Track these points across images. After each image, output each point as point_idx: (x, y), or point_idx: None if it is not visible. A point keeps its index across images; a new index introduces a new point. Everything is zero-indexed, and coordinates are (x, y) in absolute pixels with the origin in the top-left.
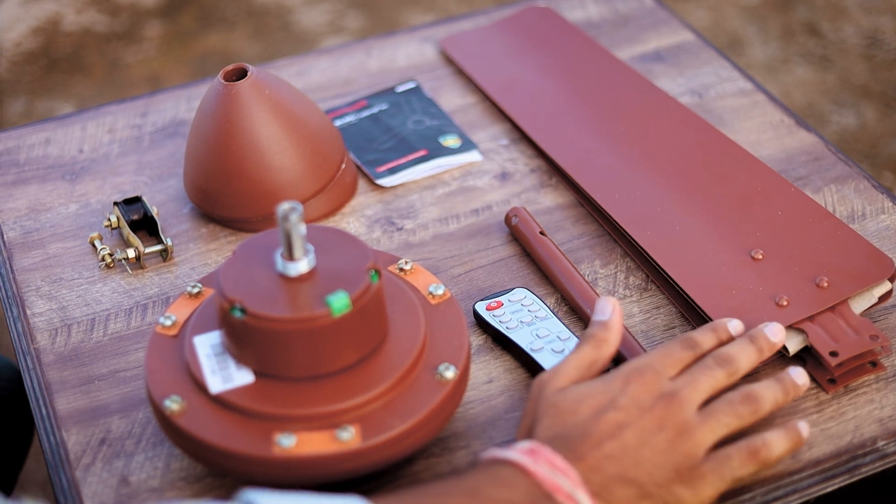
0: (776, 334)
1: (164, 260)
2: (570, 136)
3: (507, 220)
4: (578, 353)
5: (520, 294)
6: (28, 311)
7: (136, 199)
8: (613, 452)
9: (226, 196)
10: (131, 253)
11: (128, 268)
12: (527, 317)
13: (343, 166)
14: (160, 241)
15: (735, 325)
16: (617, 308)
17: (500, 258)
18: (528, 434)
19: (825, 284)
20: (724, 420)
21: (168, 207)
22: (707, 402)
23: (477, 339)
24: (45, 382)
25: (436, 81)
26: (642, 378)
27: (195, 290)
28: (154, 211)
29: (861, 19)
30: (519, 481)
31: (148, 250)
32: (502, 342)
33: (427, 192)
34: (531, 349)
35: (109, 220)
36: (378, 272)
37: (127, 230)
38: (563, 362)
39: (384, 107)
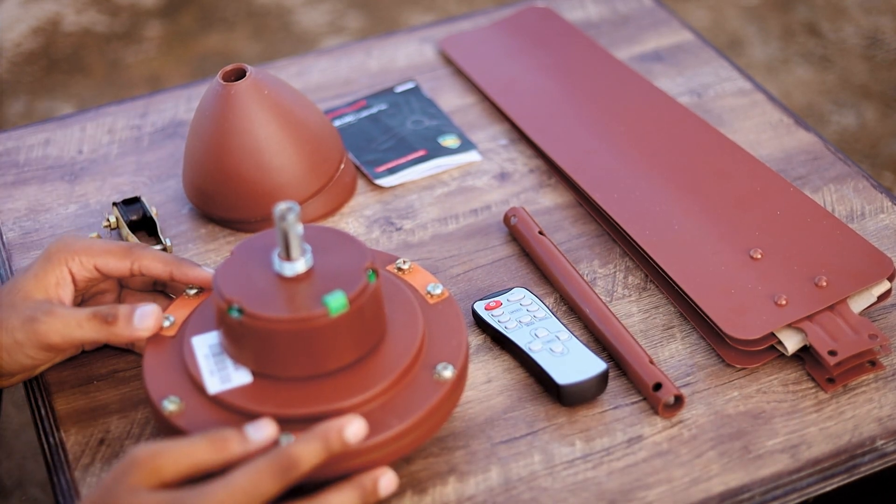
0: (355, 435)
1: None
2: (569, 136)
3: (506, 219)
4: (193, 446)
5: (519, 294)
6: None
7: (136, 200)
8: None
9: (224, 197)
10: None
11: None
12: (525, 316)
13: (342, 166)
14: (159, 242)
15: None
16: (271, 434)
17: (498, 258)
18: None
19: (824, 284)
20: None
21: (167, 208)
22: None
23: (476, 339)
24: (43, 382)
25: (435, 82)
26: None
27: (193, 291)
28: (153, 211)
29: (861, 19)
30: None
31: None
32: (501, 342)
33: (426, 193)
34: (530, 349)
35: (108, 220)
36: (376, 272)
37: (126, 231)
38: (169, 447)
39: (383, 107)
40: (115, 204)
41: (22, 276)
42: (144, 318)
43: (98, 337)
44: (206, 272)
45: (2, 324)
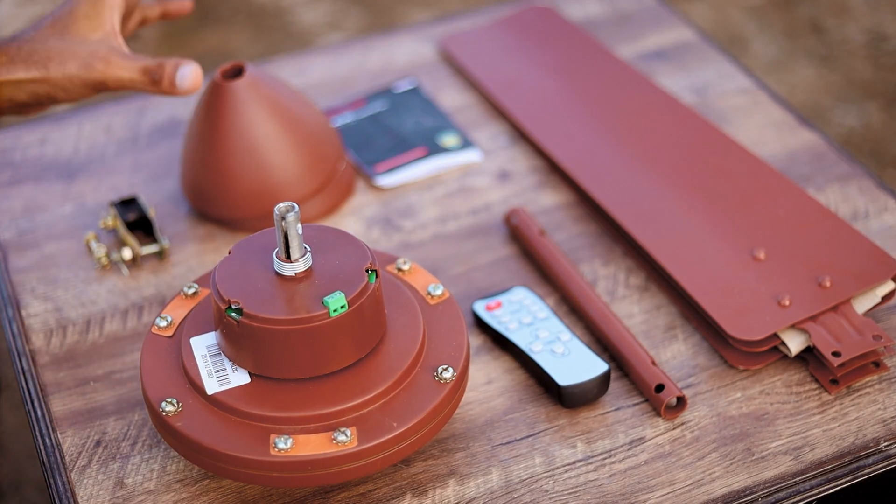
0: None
1: (161, 260)
2: (570, 136)
3: (507, 219)
4: (133, 80)
5: (519, 294)
6: (23, 312)
7: (133, 200)
8: None
9: (222, 196)
10: (127, 254)
11: (124, 269)
12: (526, 317)
13: (342, 166)
14: (156, 242)
15: None
16: (188, 81)
17: (499, 258)
18: None
19: (828, 284)
20: None
21: (164, 207)
22: None
23: (476, 340)
24: (40, 384)
25: (435, 81)
26: None
27: (191, 291)
28: (151, 211)
29: (865, 17)
30: None
31: (144, 251)
32: (501, 342)
33: (426, 192)
34: (531, 350)
35: (106, 220)
36: (376, 272)
37: (123, 231)
38: (119, 64)
39: (383, 106)
40: (112, 204)
41: (69, 14)
42: (184, 78)
43: (145, 90)
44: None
45: (53, 59)
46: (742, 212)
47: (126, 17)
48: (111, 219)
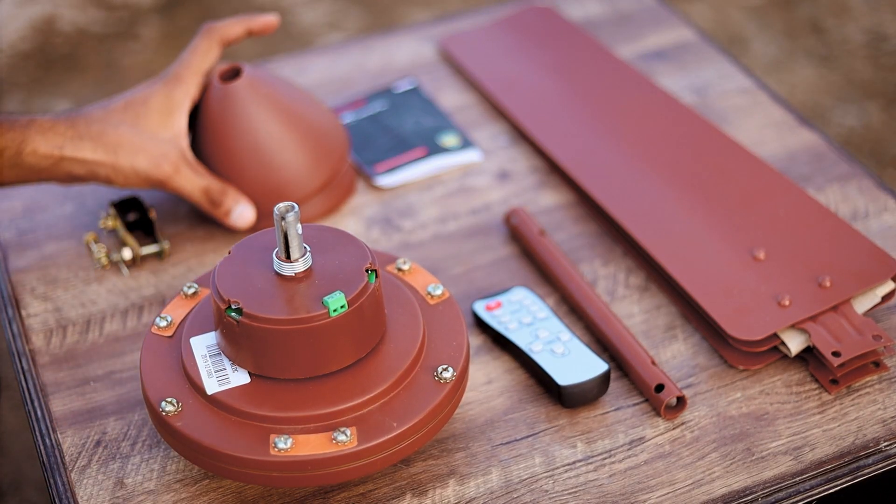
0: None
1: (161, 261)
2: (570, 135)
3: (507, 219)
4: (196, 197)
5: (519, 294)
6: (23, 312)
7: (133, 200)
8: None
9: None
10: (127, 254)
11: (124, 269)
12: (526, 317)
13: (347, 160)
14: (156, 242)
15: None
16: (243, 221)
17: (499, 258)
18: None
19: (828, 284)
20: None
21: (164, 207)
22: None
23: (476, 340)
24: (40, 384)
25: (435, 81)
26: None
27: (191, 291)
28: (151, 211)
29: (865, 17)
30: None
31: (144, 251)
32: (501, 342)
33: (426, 192)
34: (531, 349)
35: (106, 220)
36: (376, 272)
37: (123, 231)
38: (188, 174)
39: (383, 106)
40: (112, 204)
41: (143, 104)
42: (241, 217)
43: (201, 208)
44: (271, 18)
45: (124, 147)
46: (742, 212)
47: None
48: (111, 219)
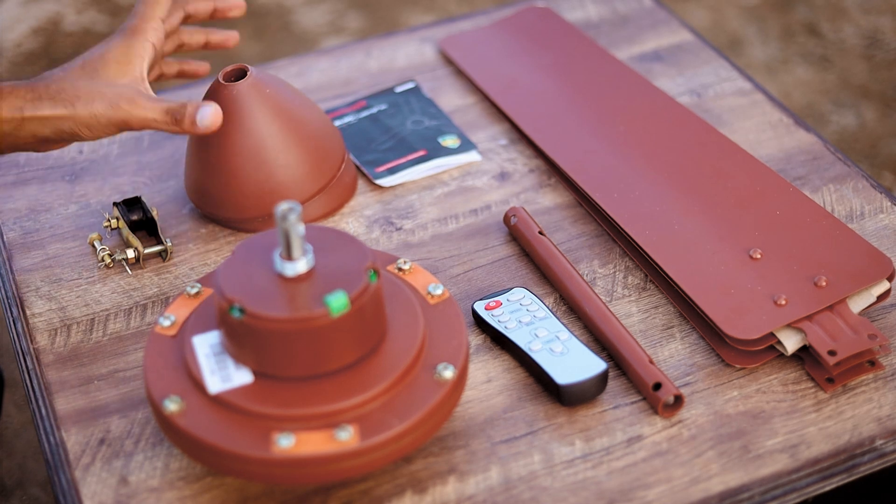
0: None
1: (164, 261)
2: (569, 136)
3: (506, 219)
4: (156, 120)
5: (519, 294)
6: (28, 312)
7: (136, 200)
8: None
9: (225, 196)
10: (131, 253)
11: (127, 268)
12: (525, 316)
13: (343, 166)
14: (160, 242)
15: None
16: (215, 123)
17: (498, 258)
18: None
19: (824, 284)
20: None
21: (167, 208)
22: None
23: (476, 339)
24: (44, 383)
25: (435, 82)
26: None
27: (194, 291)
28: (154, 212)
29: (861, 19)
30: None
31: (147, 251)
32: (501, 342)
33: (426, 193)
34: (530, 349)
35: (109, 220)
36: (377, 272)
37: (127, 231)
38: (142, 106)
39: (383, 107)
40: (115, 204)
41: (100, 58)
42: (204, 117)
43: (167, 130)
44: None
45: (81, 98)
46: (739, 212)
47: (151, 67)
48: (115, 219)
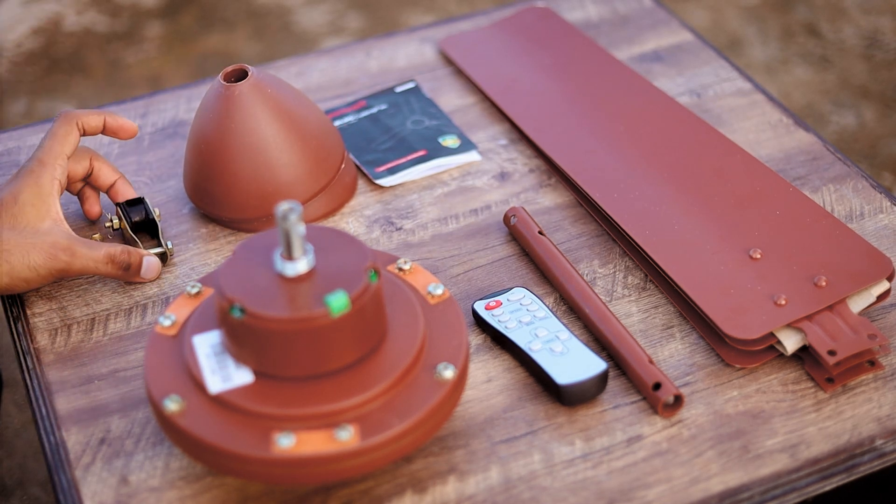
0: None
1: (164, 263)
2: (569, 136)
3: (506, 219)
4: (98, 268)
5: (519, 294)
6: (28, 311)
7: (139, 201)
8: None
9: (226, 197)
10: None
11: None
12: (526, 316)
13: (342, 166)
14: (160, 244)
15: None
16: (151, 272)
17: (499, 258)
18: None
19: (823, 284)
20: None
21: (168, 208)
22: None
23: (476, 339)
24: (44, 382)
25: (435, 82)
26: None
27: (195, 290)
28: (156, 213)
29: (860, 20)
30: None
31: (151, 251)
32: (501, 342)
33: (426, 192)
34: (530, 349)
35: (112, 220)
36: (377, 272)
37: (129, 233)
38: (83, 254)
39: (383, 107)
40: (118, 205)
41: (15, 203)
42: (150, 270)
43: (113, 276)
44: (131, 126)
45: (14, 252)
46: (739, 212)
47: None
48: (117, 219)
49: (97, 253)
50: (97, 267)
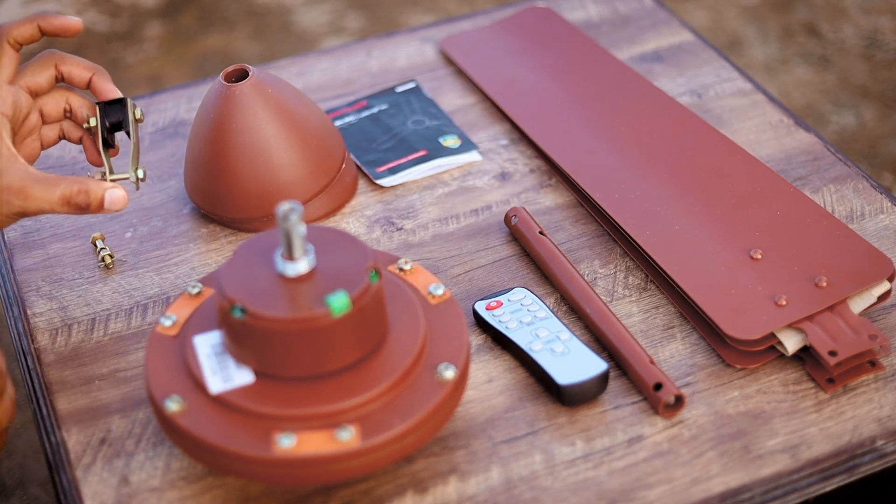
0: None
1: (137, 189)
2: (569, 137)
3: (507, 219)
4: (54, 207)
5: (519, 294)
6: (28, 311)
7: (120, 101)
8: None
9: (226, 196)
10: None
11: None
12: (526, 316)
13: (343, 166)
14: (135, 167)
15: None
16: (116, 204)
17: (499, 258)
18: None
19: (824, 284)
20: None
21: (168, 207)
22: None
23: (476, 339)
24: (45, 382)
25: (436, 82)
26: None
27: (195, 291)
28: (137, 115)
29: (860, 19)
30: None
31: (114, 177)
32: (502, 342)
33: (427, 192)
34: (531, 349)
35: (88, 121)
36: (378, 272)
37: (100, 140)
38: (37, 196)
39: (384, 107)
40: (97, 104)
41: None
42: (114, 202)
43: (72, 214)
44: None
45: None
46: (739, 212)
47: (23, 137)
48: (95, 120)
49: (52, 195)
50: (53, 208)
